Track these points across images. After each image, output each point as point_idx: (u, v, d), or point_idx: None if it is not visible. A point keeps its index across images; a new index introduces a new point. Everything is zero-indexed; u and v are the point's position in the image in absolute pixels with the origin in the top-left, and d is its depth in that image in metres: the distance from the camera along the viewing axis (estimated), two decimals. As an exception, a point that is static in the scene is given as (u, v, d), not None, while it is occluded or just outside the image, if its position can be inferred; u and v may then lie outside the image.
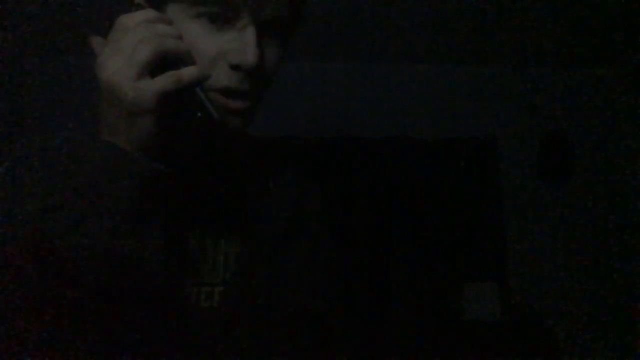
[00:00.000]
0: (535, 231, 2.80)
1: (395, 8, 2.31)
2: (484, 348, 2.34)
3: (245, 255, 0.64)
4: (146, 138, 0.50)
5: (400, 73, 2.89)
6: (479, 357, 2.31)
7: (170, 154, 0.53)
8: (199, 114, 0.53)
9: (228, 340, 0.59)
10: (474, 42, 2.66)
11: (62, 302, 0.48)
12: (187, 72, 0.50)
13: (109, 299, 0.49)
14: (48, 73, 2.60)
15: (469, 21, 2.44)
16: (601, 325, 2.70)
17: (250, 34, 0.54)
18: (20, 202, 0.51)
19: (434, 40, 2.64)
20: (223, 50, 0.55)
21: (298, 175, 0.75)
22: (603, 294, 2.74)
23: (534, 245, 2.79)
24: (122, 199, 0.48)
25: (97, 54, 0.51)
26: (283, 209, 0.69)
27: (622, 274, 2.77)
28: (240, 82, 0.56)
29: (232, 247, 0.64)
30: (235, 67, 0.55)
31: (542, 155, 2.85)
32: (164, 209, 0.52)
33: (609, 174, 2.88)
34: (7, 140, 2.38)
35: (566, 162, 2.85)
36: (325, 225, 0.75)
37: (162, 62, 0.49)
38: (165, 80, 0.49)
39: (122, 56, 0.48)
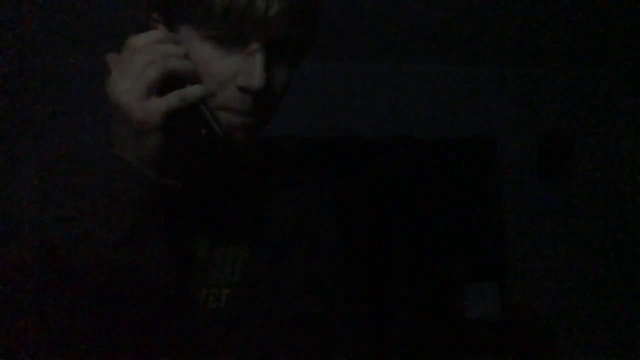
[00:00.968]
0: (535, 231, 2.81)
1: (395, 8, 2.31)
2: (484, 348, 2.34)
3: (252, 258, 0.65)
4: (154, 154, 0.52)
5: (400, 73, 2.89)
6: (479, 357, 2.32)
7: (178, 168, 0.55)
8: (204, 131, 0.54)
9: (235, 341, 0.60)
10: (474, 42, 2.66)
11: (70, 309, 0.49)
12: (192, 91, 0.52)
13: (115, 305, 0.50)
14: (48, 73, 2.59)
15: (469, 21, 2.44)
16: (601, 325, 2.70)
17: (259, 58, 0.55)
18: (31, 212, 0.53)
19: (435, 41, 2.64)
20: (232, 73, 0.56)
21: (304, 178, 0.77)
22: (603, 294, 2.75)
23: (534, 245, 2.79)
24: (129, 213, 0.50)
25: (111, 70, 0.53)
26: (289, 213, 0.70)
27: (622, 274, 2.77)
28: (246, 103, 0.57)
29: (239, 251, 0.65)
30: (243, 90, 0.56)
31: (542, 155, 2.86)
32: (171, 220, 0.54)
33: (609, 174, 2.89)
34: (7, 140, 2.38)
35: (566, 162, 2.85)
36: (331, 230, 0.76)
37: (169, 81, 0.51)
38: (171, 100, 0.51)
39: (131, 76, 0.50)
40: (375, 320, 2.58)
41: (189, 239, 0.62)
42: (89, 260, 0.48)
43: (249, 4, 0.53)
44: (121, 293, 0.50)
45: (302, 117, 2.71)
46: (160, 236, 0.53)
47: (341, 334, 0.73)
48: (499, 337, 2.41)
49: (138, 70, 0.50)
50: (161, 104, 0.50)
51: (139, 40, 0.52)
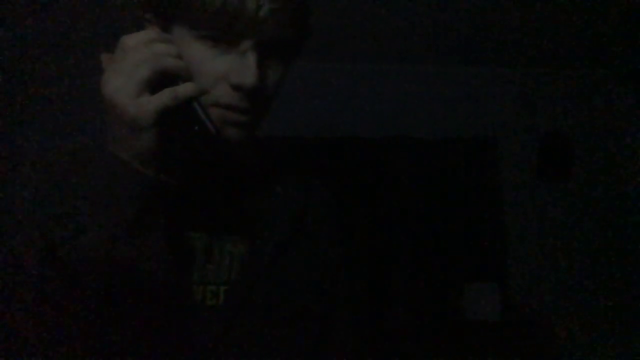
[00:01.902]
0: (535, 231, 2.80)
1: (395, 8, 2.31)
2: (484, 348, 2.34)
3: (250, 256, 0.65)
4: (147, 151, 0.53)
5: (400, 73, 2.89)
6: (479, 357, 2.31)
7: (172, 165, 0.56)
8: (196, 128, 0.55)
9: (233, 339, 0.60)
10: (474, 42, 2.66)
11: (67, 304, 0.49)
12: (184, 88, 0.53)
13: (112, 302, 0.51)
14: (48, 73, 2.59)
15: (469, 21, 2.44)
16: (601, 325, 2.70)
17: (251, 56, 0.57)
18: (29, 208, 0.54)
19: (434, 41, 2.64)
20: (225, 71, 0.57)
21: (304, 177, 0.77)
22: (603, 294, 2.74)
23: (534, 245, 2.79)
24: (124, 209, 0.51)
25: (104, 70, 0.54)
26: (287, 211, 0.70)
27: (622, 274, 2.77)
28: (240, 100, 0.58)
29: (237, 248, 0.65)
30: (236, 88, 0.57)
31: (542, 155, 2.85)
32: (168, 217, 0.55)
33: (609, 174, 2.88)
34: (8, 140, 2.38)
35: (566, 162, 2.85)
36: (330, 227, 0.76)
37: (161, 80, 0.53)
38: (163, 97, 0.52)
39: (124, 74, 0.51)
40: (375, 320, 2.58)
41: (186, 236, 0.63)
42: (87, 255, 0.49)
43: (240, 4, 0.54)
44: (119, 289, 0.51)
45: (302, 117, 2.71)
46: (158, 232, 0.54)
47: (340, 331, 0.74)
48: (499, 337, 2.41)
49: (130, 68, 0.51)
50: (153, 101, 0.51)
51: (132, 40, 0.53)
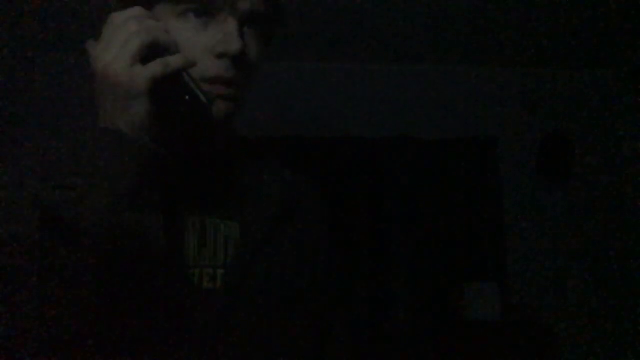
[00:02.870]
0: (535, 231, 2.80)
1: (395, 8, 2.31)
2: (484, 348, 2.34)
3: (243, 239, 0.67)
4: (140, 121, 0.55)
5: (400, 73, 2.88)
6: (479, 357, 2.31)
7: (165, 135, 0.58)
8: (187, 98, 0.57)
9: (231, 321, 0.62)
10: (474, 42, 2.66)
11: (66, 273, 0.50)
12: (174, 59, 0.56)
13: (111, 276, 0.51)
14: (48, 72, 2.59)
15: (469, 21, 2.44)
16: (601, 325, 2.69)
17: (231, 25, 0.60)
18: (30, 183, 0.55)
19: (434, 41, 2.64)
20: (208, 43, 0.61)
21: (294, 170, 0.80)
22: (603, 294, 2.74)
23: (534, 245, 2.79)
24: (120, 176, 0.52)
25: (92, 54, 0.57)
26: (278, 195, 0.73)
27: (622, 274, 2.77)
28: (226, 69, 0.61)
29: (232, 231, 0.67)
30: (220, 56, 0.60)
31: (542, 155, 2.85)
32: (162, 186, 0.57)
33: (609, 174, 2.88)
34: (8, 140, 2.38)
35: (566, 162, 2.85)
36: (317, 214, 0.79)
37: (151, 53, 0.55)
38: (155, 66, 0.54)
39: (116, 48, 0.54)
40: (375, 321, 2.58)
41: (180, 218, 0.64)
42: (87, 221, 0.50)
43: None
44: (117, 253, 0.51)
45: (302, 117, 2.71)
46: (153, 199, 0.55)
47: (333, 311, 0.76)
48: (499, 337, 2.40)
49: (122, 41, 0.54)
50: (146, 71, 0.54)
51: (121, 16, 0.56)
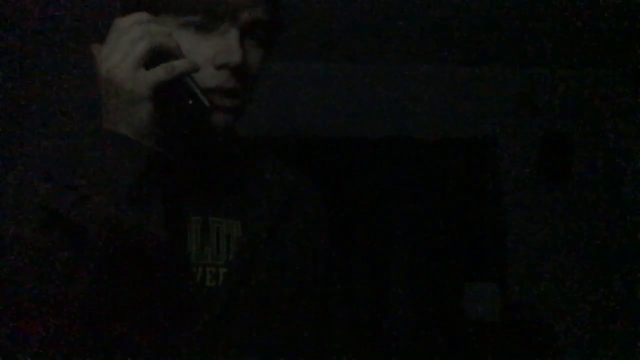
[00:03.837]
0: (535, 231, 2.80)
1: (395, 8, 2.31)
2: (484, 348, 2.34)
3: (244, 237, 0.68)
4: (144, 124, 0.55)
5: (400, 73, 2.88)
6: (479, 357, 2.31)
7: (168, 138, 0.58)
8: (190, 102, 0.58)
9: (233, 319, 0.63)
10: (474, 42, 2.66)
11: (68, 272, 0.51)
12: (179, 63, 0.57)
13: (115, 270, 0.52)
14: (49, 72, 2.59)
15: (469, 21, 2.44)
16: (601, 325, 2.69)
17: (233, 37, 0.61)
18: (35, 184, 0.56)
19: (434, 41, 2.64)
20: (209, 54, 0.61)
21: (294, 169, 0.81)
22: (603, 294, 2.74)
23: (534, 245, 2.79)
24: (122, 177, 0.53)
25: (96, 58, 0.57)
26: (279, 193, 0.73)
27: (622, 274, 2.77)
28: (226, 80, 0.61)
29: (234, 230, 0.68)
30: (221, 67, 0.61)
31: (542, 155, 2.85)
32: (164, 187, 0.57)
33: (609, 174, 2.88)
34: (8, 140, 2.38)
35: (566, 162, 2.85)
36: (316, 214, 0.79)
37: (155, 57, 0.56)
38: (159, 71, 0.55)
39: (121, 52, 0.54)
40: (375, 321, 2.58)
41: (182, 216, 0.65)
42: (87, 220, 0.50)
43: None
44: (120, 253, 0.52)
45: (302, 117, 2.71)
46: (155, 200, 0.56)
47: (330, 309, 0.77)
48: (499, 337, 2.41)
49: (127, 45, 0.54)
50: (150, 75, 0.55)
51: (126, 21, 0.56)
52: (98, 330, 0.53)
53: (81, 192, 0.51)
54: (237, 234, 0.68)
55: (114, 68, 0.54)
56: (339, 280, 0.80)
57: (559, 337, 2.54)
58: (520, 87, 2.93)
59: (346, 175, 2.72)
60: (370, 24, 2.45)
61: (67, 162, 0.56)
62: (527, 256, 2.77)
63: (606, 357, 2.63)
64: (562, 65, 2.90)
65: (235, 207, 0.69)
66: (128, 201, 0.53)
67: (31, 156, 0.62)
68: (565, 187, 2.86)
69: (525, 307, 2.67)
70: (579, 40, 2.61)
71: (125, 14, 0.60)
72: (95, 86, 0.57)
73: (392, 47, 2.70)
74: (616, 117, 2.93)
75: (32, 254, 0.51)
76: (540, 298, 2.71)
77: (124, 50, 0.54)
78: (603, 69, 2.94)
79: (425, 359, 2.45)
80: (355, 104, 2.83)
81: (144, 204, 0.54)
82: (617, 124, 2.93)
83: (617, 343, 2.67)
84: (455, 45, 2.69)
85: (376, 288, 2.63)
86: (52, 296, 0.50)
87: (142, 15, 0.57)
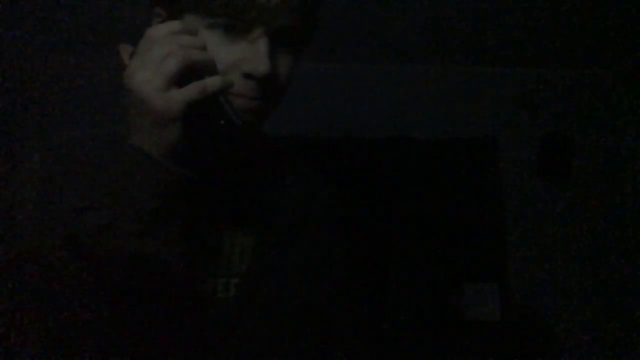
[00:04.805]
0: (535, 231, 2.80)
1: (395, 8, 2.31)
2: (484, 348, 2.34)
3: (259, 248, 0.66)
4: (172, 145, 0.53)
5: (400, 73, 2.88)
6: (479, 357, 2.31)
7: (195, 158, 0.56)
8: (222, 122, 0.55)
9: (244, 331, 0.61)
10: (474, 42, 2.66)
11: (86, 297, 0.50)
12: (211, 82, 0.53)
13: (129, 295, 0.51)
14: (49, 72, 2.59)
15: (469, 21, 2.44)
16: (601, 325, 2.70)
17: (262, 45, 0.56)
18: (53, 202, 0.54)
19: (434, 41, 2.64)
20: (237, 59, 0.57)
21: (308, 174, 0.79)
22: (603, 294, 2.74)
23: (534, 245, 2.79)
24: (148, 203, 0.51)
25: (124, 62, 0.55)
26: (294, 203, 0.71)
27: (622, 274, 2.77)
28: (252, 89, 0.57)
29: (247, 241, 0.66)
30: (247, 76, 0.57)
31: (542, 155, 2.85)
32: (186, 210, 0.55)
33: (609, 174, 2.88)
34: (8, 140, 2.38)
35: (566, 162, 2.85)
36: (333, 223, 0.77)
37: (187, 72, 0.52)
38: (191, 90, 0.52)
39: (151, 67, 0.51)
40: (375, 321, 2.58)
41: (199, 229, 0.63)
42: (111, 250, 0.49)
43: None
44: (137, 282, 0.51)
45: (302, 117, 2.71)
46: (176, 226, 0.54)
47: (342, 323, 0.75)
48: (499, 337, 2.41)
49: (157, 61, 0.51)
50: (181, 95, 0.51)
51: (157, 32, 0.53)
52: (110, 342, 0.52)
53: (103, 215, 0.50)
54: (251, 245, 0.66)
55: (143, 85, 0.51)
56: (354, 297, 0.78)
57: (559, 337, 2.54)
58: (520, 87, 2.93)
59: (346, 175, 2.72)
60: (370, 24, 2.45)
61: (91, 175, 0.54)
62: (527, 256, 2.77)
63: (606, 357, 2.63)
64: (562, 65, 2.90)
65: (250, 218, 0.67)
66: (150, 228, 0.51)
67: (53, 169, 0.60)
68: (565, 187, 2.86)
69: (525, 307, 2.67)
70: (579, 40, 2.61)
71: (151, 8, 0.57)
72: (117, 87, 0.54)
73: (392, 47, 2.70)
74: (616, 117, 2.93)
75: (50, 274, 0.50)
76: (540, 298, 2.71)
77: (154, 65, 0.51)
78: (603, 69, 2.94)
79: (425, 358, 2.45)
80: (355, 104, 2.83)
81: (165, 232, 0.52)
82: (617, 124, 2.93)
83: (617, 343, 2.67)
84: (455, 45, 2.69)
85: (376, 288, 2.63)
86: (65, 310, 0.50)
87: (175, 25, 0.54)
